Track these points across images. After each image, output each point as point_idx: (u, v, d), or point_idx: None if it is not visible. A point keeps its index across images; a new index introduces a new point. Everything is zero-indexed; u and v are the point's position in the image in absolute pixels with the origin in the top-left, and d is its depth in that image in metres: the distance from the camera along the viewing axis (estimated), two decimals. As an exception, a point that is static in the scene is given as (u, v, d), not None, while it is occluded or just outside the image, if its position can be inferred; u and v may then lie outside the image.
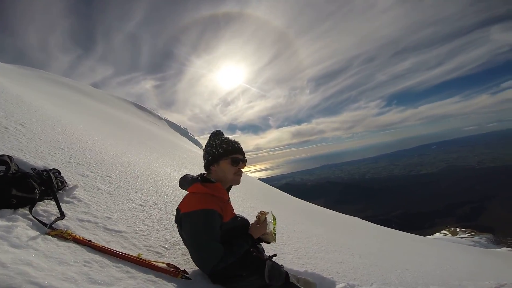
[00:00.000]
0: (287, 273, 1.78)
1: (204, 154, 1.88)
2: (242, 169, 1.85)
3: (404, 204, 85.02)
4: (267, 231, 1.86)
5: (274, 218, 1.94)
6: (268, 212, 1.91)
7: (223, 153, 1.78)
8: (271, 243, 1.94)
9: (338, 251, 4.33)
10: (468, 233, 53.52)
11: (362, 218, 15.61)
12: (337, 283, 2.71)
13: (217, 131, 1.92)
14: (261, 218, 1.85)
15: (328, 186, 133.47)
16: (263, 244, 2.06)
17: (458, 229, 56.50)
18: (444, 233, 54.45)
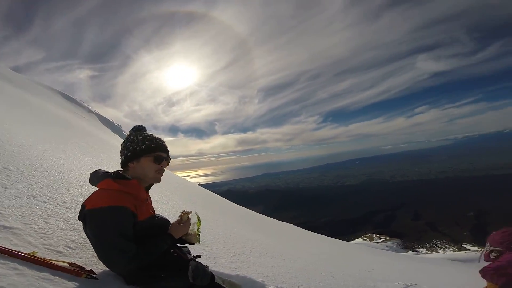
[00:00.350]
0: (212, 274, 1.78)
1: (122, 150, 1.71)
2: (164, 168, 1.75)
3: (331, 212, 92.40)
4: (191, 232, 1.80)
5: (199, 219, 1.87)
6: (191, 212, 1.83)
7: (146, 150, 1.67)
8: (195, 244, 1.87)
9: (270, 255, 4.45)
10: (382, 238, 59.41)
11: (296, 225, 16.60)
12: (266, 286, 2.77)
13: (139, 126, 1.79)
14: (183, 217, 1.76)
15: (267, 193, 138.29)
16: (193, 246, 1.95)
17: (374, 235, 62.23)
18: (363, 239, 59.65)
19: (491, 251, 3.43)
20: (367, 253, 11.36)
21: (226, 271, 2.62)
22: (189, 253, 1.89)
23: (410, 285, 4.65)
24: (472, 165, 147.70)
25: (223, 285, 1.79)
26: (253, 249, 4.34)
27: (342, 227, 75.27)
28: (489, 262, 3.13)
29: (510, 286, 2.77)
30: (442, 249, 52.84)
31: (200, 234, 1.85)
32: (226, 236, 4.42)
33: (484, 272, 3.06)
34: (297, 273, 3.92)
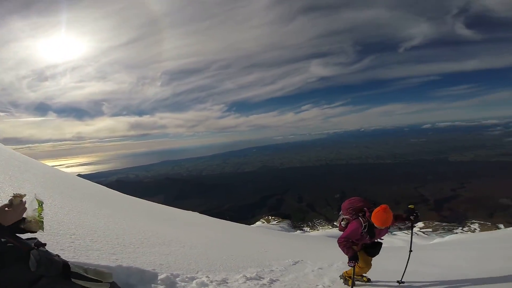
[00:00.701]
0: (67, 263, 1.73)
1: None
2: None
3: (233, 198, 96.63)
4: (31, 219, 1.60)
5: (40, 204, 1.66)
6: (24, 195, 1.59)
7: None
8: (38, 231, 1.67)
9: (167, 244, 4.25)
10: (276, 220, 65.08)
11: (200, 213, 16.45)
12: (159, 274, 2.59)
13: None
14: (14, 201, 1.53)
15: (167, 182, 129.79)
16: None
17: (270, 218, 67.65)
18: (262, 221, 63.92)
19: (342, 220, 3.78)
20: (265, 235, 12.29)
21: (104, 263, 2.30)
22: (41, 244, 1.70)
23: (298, 261, 5.35)
24: (338, 155, 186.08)
25: (85, 274, 1.73)
26: (145, 240, 4.01)
27: (243, 212, 79.75)
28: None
29: (357, 258, 3.35)
30: (321, 227, 61.65)
31: (43, 221, 1.67)
32: (109, 229, 3.85)
33: (338, 244, 3.47)
34: (197, 259, 3.90)
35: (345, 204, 3.73)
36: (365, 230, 3.35)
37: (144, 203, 12.16)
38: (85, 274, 1.74)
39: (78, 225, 3.33)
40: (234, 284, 3.25)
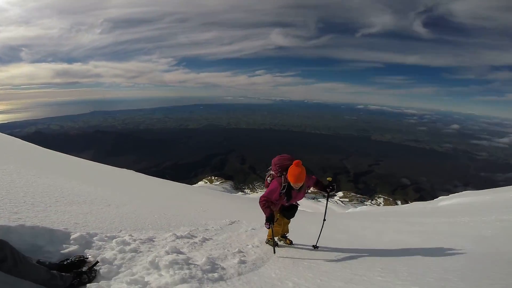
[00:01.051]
0: None
1: None
2: None
3: (174, 156, 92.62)
4: None
5: None
6: None
7: None
8: None
9: (88, 203, 3.95)
10: (219, 181, 65.52)
11: (137, 171, 15.41)
12: (71, 233, 2.41)
13: None
14: None
15: (98, 135, 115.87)
16: None
17: (213, 178, 67.77)
18: (204, 182, 63.68)
19: (269, 175, 3.76)
20: (206, 195, 12.16)
21: (1, 222, 2.06)
22: None
23: (234, 222, 5.58)
24: (281, 121, 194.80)
25: None
26: (61, 198, 3.63)
27: (185, 171, 77.38)
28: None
29: (273, 220, 3.38)
30: (260, 190, 63.75)
31: None
32: (15, 186, 3.39)
33: (259, 202, 3.41)
34: (122, 218, 3.71)
35: (274, 160, 3.70)
36: (284, 191, 3.35)
37: (67, 158, 10.92)
38: None
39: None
40: (161, 243, 3.10)
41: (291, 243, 4.19)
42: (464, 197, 13.57)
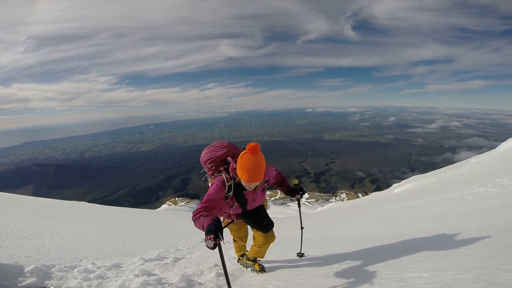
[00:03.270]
0: None
1: None
2: None
3: (129, 182, 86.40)
4: None
5: None
6: None
7: None
8: None
9: (38, 236, 3.59)
10: (184, 201, 62.30)
11: (89, 202, 14.04)
12: (24, 266, 2.18)
13: None
14: None
15: (36, 169, 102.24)
16: None
17: (177, 199, 64.87)
18: (168, 204, 60.21)
19: (205, 178, 2.76)
20: (171, 217, 11.63)
21: None
22: None
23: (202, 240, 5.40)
24: (239, 133, 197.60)
25: None
26: (4, 233, 3.28)
27: (144, 196, 73.14)
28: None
29: (217, 231, 1.78)
30: None
31: None
32: None
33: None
34: (81, 249, 3.44)
35: (202, 155, 2.59)
36: (230, 193, 2.27)
37: (3, 195, 9.49)
38: None
39: None
40: (129, 267, 2.93)
41: (262, 270, 2.94)
42: (413, 182, 15.18)
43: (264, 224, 2.67)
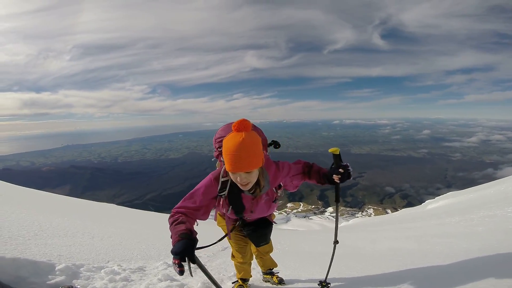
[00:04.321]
0: None
1: None
2: None
3: (156, 187, 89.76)
4: None
5: None
6: None
7: None
8: None
9: (70, 236, 3.77)
10: None
11: (118, 205, 14.83)
12: (56, 264, 2.29)
13: None
14: None
15: (73, 171, 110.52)
16: None
17: None
18: None
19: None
20: (194, 224, 11.89)
21: None
22: None
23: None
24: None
25: None
26: (40, 231, 3.45)
27: (169, 202, 75.56)
28: None
29: (187, 251, 1.41)
30: None
31: None
32: None
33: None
34: (109, 249, 3.58)
35: (216, 134, 2.31)
36: (224, 192, 1.78)
37: (41, 195, 10.29)
38: None
39: None
40: (153, 271, 3.00)
41: (280, 282, 2.72)
42: (450, 198, 14.05)
43: (253, 234, 2.13)
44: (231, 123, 1.77)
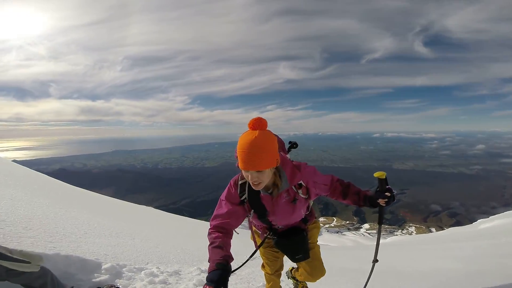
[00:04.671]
0: None
1: None
2: None
3: (191, 193, 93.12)
4: None
5: None
6: None
7: None
8: None
9: (115, 236, 4.03)
10: None
11: (155, 208, 15.72)
12: (102, 263, 2.47)
13: None
14: None
15: (119, 174, 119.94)
16: None
17: None
18: None
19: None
20: None
21: (39, 250, 2.16)
22: None
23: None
24: (297, 157, 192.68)
25: (9, 254, 1.61)
26: (89, 230, 3.76)
27: (202, 209, 77.81)
28: None
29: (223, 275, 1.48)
30: None
31: None
32: (47, 217, 3.54)
33: None
34: (148, 251, 3.75)
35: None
36: (245, 195, 1.75)
37: (90, 195, 11.27)
38: (9, 255, 1.62)
39: (10, 212, 3.00)
40: (187, 276, 3.13)
41: None
42: (507, 217, 12.44)
43: (297, 258, 2.06)
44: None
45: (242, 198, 1.76)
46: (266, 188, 1.70)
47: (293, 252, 2.05)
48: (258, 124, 1.56)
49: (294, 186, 1.76)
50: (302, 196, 1.80)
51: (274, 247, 2.13)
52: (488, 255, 4.86)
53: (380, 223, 2.11)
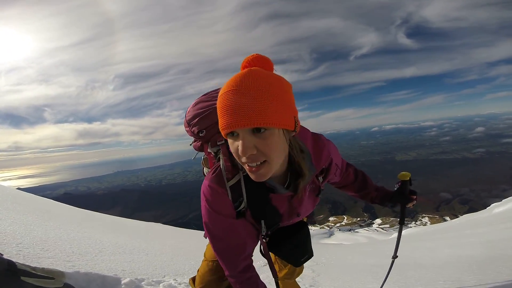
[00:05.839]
0: (11, 261, 1.58)
1: None
2: None
3: (198, 206, 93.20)
4: None
5: None
6: None
7: None
8: None
9: (128, 253, 4.05)
10: None
11: (164, 224, 15.72)
12: (121, 279, 2.47)
13: None
14: None
15: (124, 194, 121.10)
16: None
17: None
18: None
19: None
20: None
21: (60, 269, 2.16)
22: None
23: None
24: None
25: (33, 271, 1.62)
26: (104, 249, 3.78)
27: (210, 219, 78.40)
28: None
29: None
30: None
31: None
32: (60, 239, 3.56)
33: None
34: (163, 265, 3.78)
35: (186, 112, 1.40)
36: (242, 201, 1.02)
37: (99, 216, 11.25)
38: (34, 272, 1.64)
39: (25, 235, 3.04)
40: None
41: None
42: None
43: (302, 260, 1.34)
44: (211, 93, 1.26)
45: (240, 208, 1.03)
46: (278, 180, 0.97)
47: (298, 255, 1.34)
48: (258, 61, 0.90)
49: (324, 170, 1.14)
50: (323, 187, 1.21)
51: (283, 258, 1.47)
52: (507, 239, 4.77)
53: (401, 223, 1.86)
